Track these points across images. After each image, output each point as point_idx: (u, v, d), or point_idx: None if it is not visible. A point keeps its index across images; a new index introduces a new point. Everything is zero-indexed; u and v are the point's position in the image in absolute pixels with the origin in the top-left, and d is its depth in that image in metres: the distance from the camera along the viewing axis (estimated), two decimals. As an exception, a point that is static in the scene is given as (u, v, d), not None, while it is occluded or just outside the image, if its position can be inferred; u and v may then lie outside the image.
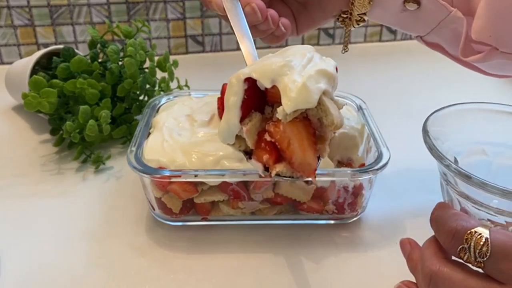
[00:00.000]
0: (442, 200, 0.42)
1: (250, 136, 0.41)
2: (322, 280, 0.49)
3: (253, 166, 0.42)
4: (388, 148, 0.53)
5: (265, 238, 0.54)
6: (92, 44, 0.73)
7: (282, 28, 0.48)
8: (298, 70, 0.39)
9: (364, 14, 0.48)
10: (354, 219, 0.56)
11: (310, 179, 0.41)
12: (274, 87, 0.39)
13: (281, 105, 0.38)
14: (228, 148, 0.51)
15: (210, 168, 0.50)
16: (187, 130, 0.56)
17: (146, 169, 0.49)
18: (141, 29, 0.74)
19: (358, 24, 0.49)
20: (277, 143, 0.40)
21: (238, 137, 0.42)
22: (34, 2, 0.95)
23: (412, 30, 0.50)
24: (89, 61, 0.70)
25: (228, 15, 0.46)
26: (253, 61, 0.45)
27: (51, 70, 0.72)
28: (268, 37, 0.50)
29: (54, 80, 0.66)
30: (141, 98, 0.75)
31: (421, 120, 0.53)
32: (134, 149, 0.52)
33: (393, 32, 1.14)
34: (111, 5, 0.99)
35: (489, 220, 0.38)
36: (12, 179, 0.64)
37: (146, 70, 0.74)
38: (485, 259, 0.32)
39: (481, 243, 0.32)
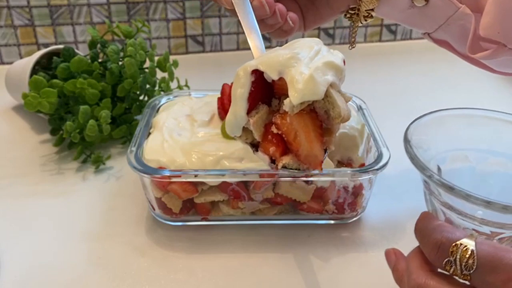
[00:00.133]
0: (426, 209, 0.42)
1: (257, 128, 0.41)
2: (322, 280, 0.49)
3: (260, 159, 0.42)
4: (388, 148, 0.53)
5: (265, 238, 0.54)
6: (92, 44, 0.73)
7: (290, 23, 0.48)
8: (305, 62, 0.39)
9: (372, 10, 0.48)
10: (354, 219, 0.56)
11: (316, 171, 0.40)
12: (281, 79, 0.39)
13: (288, 97, 0.38)
14: (228, 148, 0.52)
15: (210, 168, 0.50)
16: (187, 130, 0.56)
17: (146, 169, 0.49)
18: (141, 29, 0.74)
19: (365, 20, 0.49)
20: (283, 135, 0.40)
21: (245, 129, 0.42)
22: (34, 2, 0.96)
23: (419, 27, 0.50)
24: (89, 61, 0.70)
25: (236, 9, 0.46)
26: (260, 54, 0.45)
27: (51, 70, 0.72)
28: (275, 32, 0.49)
29: (54, 80, 0.66)
30: (141, 98, 0.75)
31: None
32: (134, 149, 0.52)
33: (393, 32, 1.14)
34: (111, 5, 0.99)
35: (474, 229, 0.37)
36: (12, 179, 0.64)
37: (146, 70, 0.74)
38: (471, 271, 0.31)
39: (467, 255, 0.31)
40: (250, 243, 0.53)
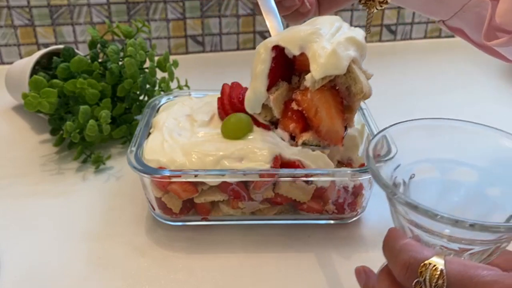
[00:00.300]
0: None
1: (277, 105, 0.41)
2: (322, 280, 0.49)
3: (279, 136, 0.42)
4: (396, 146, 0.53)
5: (265, 238, 0.54)
6: (92, 44, 0.73)
7: (307, 4, 0.48)
8: (327, 37, 0.39)
9: None
10: (354, 219, 0.56)
11: (337, 145, 0.40)
12: (302, 54, 0.39)
13: (309, 73, 0.38)
14: (228, 148, 0.52)
15: (210, 168, 0.50)
16: (187, 130, 0.56)
17: (146, 169, 0.50)
18: (141, 29, 0.74)
19: (381, 6, 0.48)
20: (304, 112, 0.39)
21: (264, 106, 0.42)
22: (34, 2, 0.96)
23: (435, 14, 0.49)
24: (89, 61, 0.70)
25: None
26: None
27: (51, 70, 0.72)
28: (292, 14, 0.49)
29: (54, 80, 0.66)
30: (141, 98, 0.75)
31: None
32: (134, 149, 0.52)
33: (393, 32, 1.14)
34: (111, 5, 0.99)
35: (443, 246, 0.37)
36: (12, 179, 0.64)
37: (146, 70, 0.74)
38: None
39: (437, 275, 0.30)
40: (250, 243, 0.53)
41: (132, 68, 0.68)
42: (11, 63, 0.85)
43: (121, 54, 0.72)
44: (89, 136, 0.65)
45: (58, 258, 0.51)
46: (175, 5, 1.01)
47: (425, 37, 1.16)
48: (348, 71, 0.38)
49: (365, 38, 0.42)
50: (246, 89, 0.57)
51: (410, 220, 0.36)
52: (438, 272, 0.31)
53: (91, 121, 0.64)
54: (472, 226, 0.31)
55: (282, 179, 0.51)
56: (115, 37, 0.95)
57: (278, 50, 0.40)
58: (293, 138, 0.41)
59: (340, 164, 0.55)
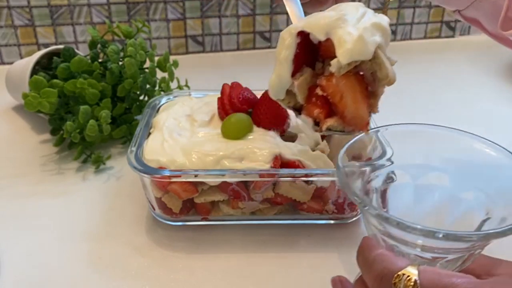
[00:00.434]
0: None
1: (301, 91, 0.41)
2: (322, 280, 0.49)
3: (303, 121, 0.42)
4: (391, 147, 0.53)
5: (265, 238, 0.54)
6: (92, 44, 0.73)
7: None
8: (353, 23, 0.38)
9: None
10: (354, 219, 0.56)
11: (362, 132, 0.40)
12: (328, 40, 0.38)
13: (334, 58, 0.38)
14: (228, 148, 0.52)
15: (210, 168, 0.50)
16: (187, 130, 0.56)
17: (146, 169, 0.50)
18: (141, 29, 0.74)
19: None
20: (329, 97, 0.39)
21: (288, 92, 0.42)
22: (34, 2, 0.96)
23: (451, 4, 0.49)
24: (89, 61, 0.70)
25: None
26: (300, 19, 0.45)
27: (52, 70, 0.72)
28: (311, 3, 0.49)
29: (55, 80, 0.66)
30: (141, 98, 0.75)
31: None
32: (134, 149, 0.52)
33: (393, 32, 1.14)
34: (111, 5, 0.99)
35: (416, 255, 0.36)
36: (12, 179, 0.64)
37: (146, 70, 0.74)
38: None
39: (411, 285, 0.30)
40: (250, 243, 0.53)
41: (132, 68, 0.68)
42: (11, 63, 0.85)
43: (121, 54, 0.72)
44: (89, 136, 0.65)
45: (58, 258, 0.51)
46: (175, 5, 1.01)
47: (425, 37, 1.16)
48: (373, 57, 0.38)
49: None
50: (246, 89, 0.57)
51: (383, 231, 0.36)
52: (412, 283, 0.30)
53: (91, 121, 0.64)
54: (445, 236, 0.31)
55: (282, 179, 0.51)
56: (115, 37, 0.95)
57: (303, 36, 0.39)
58: (317, 124, 0.41)
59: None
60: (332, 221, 0.55)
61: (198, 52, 1.07)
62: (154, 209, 0.54)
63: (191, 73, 0.83)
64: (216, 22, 1.05)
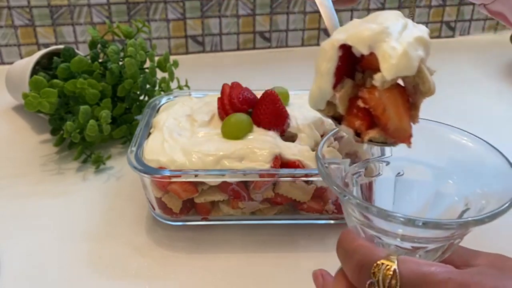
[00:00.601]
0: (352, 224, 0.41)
1: (342, 102, 0.41)
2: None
3: (343, 132, 0.42)
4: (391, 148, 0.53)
5: (265, 238, 0.54)
6: (92, 44, 0.73)
7: None
8: (396, 37, 0.38)
9: None
10: (354, 219, 0.56)
11: (405, 143, 0.40)
12: (371, 54, 0.39)
13: (375, 71, 0.38)
14: (228, 148, 0.52)
15: (210, 168, 0.50)
16: (187, 130, 0.56)
17: (146, 169, 0.50)
18: (141, 29, 0.75)
19: None
20: (371, 109, 0.39)
21: (328, 103, 0.42)
22: (35, 2, 0.96)
23: None
24: (90, 61, 0.70)
25: None
26: (333, 25, 0.45)
27: (52, 70, 0.72)
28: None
29: (55, 80, 0.66)
30: (141, 98, 0.75)
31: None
32: (134, 149, 0.52)
33: (393, 32, 1.14)
34: (111, 5, 0.99)
35: (397, 246, 0.36)
36: (12, 179, 0.64)
37: (146, 70, 0.74)
38: None
39: (390, 275, 0.30)
40: (250, 243, 0.53)
41: (132, 68, 0.68)
42: (11, 63, 0.85)
43: (121, 54, 0.72)
44: (89, 136, 0.65)
45: (58, 258, 0.51)
46: (175, 5, 1.02)
47: (425, 37, 1.16)
48: (417, 71, 0.38)
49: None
50: (246, 89, 0.57)
51: (363, 221, 0.36)
52: (391, 272, 0.30)
53: (91, 121, 0.64)
54: (425, 224, 0.31)
55: (282, 179, 0.51)
56: (115, 37, 0.95)
57: (345, 48, 0.40)
58: (357, 134, 0.41)
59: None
60: (332, 221, 0.55)
61: (198, 52, 1.07)
62: (154, 209, 0.54)
63: (191, 73, 0.83)
64: (216, 22, 1.05)
